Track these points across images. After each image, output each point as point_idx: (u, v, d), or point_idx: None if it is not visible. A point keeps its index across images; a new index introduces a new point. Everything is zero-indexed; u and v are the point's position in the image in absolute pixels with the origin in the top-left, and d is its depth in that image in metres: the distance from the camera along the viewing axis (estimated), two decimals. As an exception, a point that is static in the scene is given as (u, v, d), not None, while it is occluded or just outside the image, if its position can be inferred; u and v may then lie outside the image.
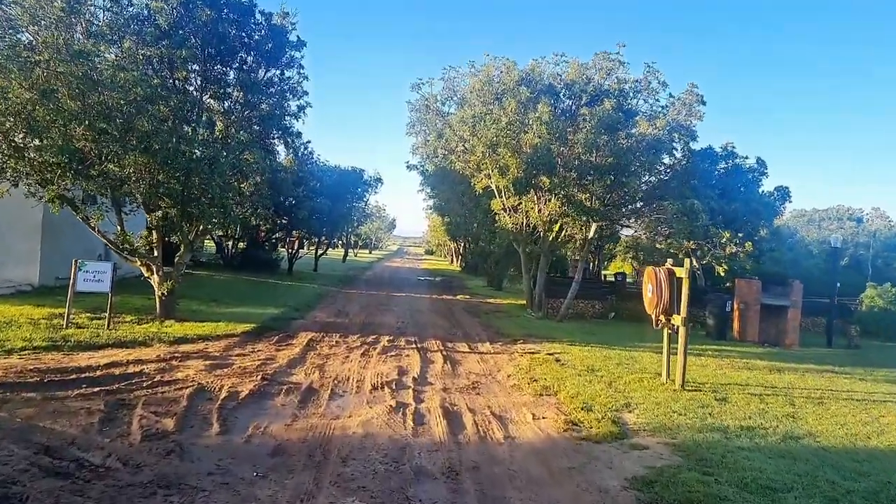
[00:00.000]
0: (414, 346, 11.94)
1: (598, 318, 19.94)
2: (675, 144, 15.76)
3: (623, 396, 8.64)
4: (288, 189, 19.81)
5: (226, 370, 8.54)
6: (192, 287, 18.10)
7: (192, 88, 12.00)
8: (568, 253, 30.48)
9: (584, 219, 16.17)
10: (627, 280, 32.49)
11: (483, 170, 19.95)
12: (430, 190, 41.90)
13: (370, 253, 79.56)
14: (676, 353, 9.57)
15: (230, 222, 12.43)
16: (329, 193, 24.71)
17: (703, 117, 15.44)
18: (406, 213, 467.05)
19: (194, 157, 10.66)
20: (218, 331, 11.41)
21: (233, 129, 12.25)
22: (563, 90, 17.02)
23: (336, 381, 8.46)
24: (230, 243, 27.32)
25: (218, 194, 11.20)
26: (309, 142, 25.34)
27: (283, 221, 24.84)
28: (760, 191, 20.31)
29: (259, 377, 8.21)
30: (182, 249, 12.32)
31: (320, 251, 32.76)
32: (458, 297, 24.57)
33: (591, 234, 17.47)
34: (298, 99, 14.47)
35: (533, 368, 10.36)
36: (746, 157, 20.35)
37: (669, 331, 9.90)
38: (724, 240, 18.61)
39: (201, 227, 12.17)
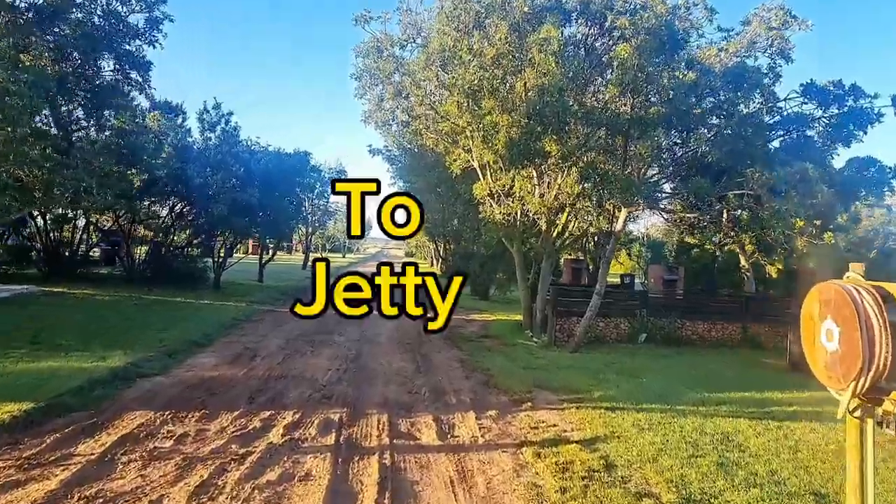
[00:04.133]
0: (333, 435, 6.32)
1: (623, 343, 14.45)
2: (762, 78, 10.23)
3: None
4: (147, 158, 13.75)
5: None
6: (32, 316, 12.21)
7: None
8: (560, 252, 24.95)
9: (615, 200, 10.63)
10: (637, 283, 27.22)
11: (461, 141, 14.36)
12: (401, 183, 36.27)
13: (343, 257, 73.38)
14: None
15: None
16: (262, 183, 18.81)
17: (805, 33, 9.96)
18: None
19: None
20: (-74, 429, 5.63)
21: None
22: (577, 12, 11.50)
23: None
24: (162, 249, 21.30)
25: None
26: (230, 113, 19.39)
27: (201, 220, 18.91)
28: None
29: None
30: None
31: (268, 256, 26.90)
32: (433, 312, 18.92)
33: (619, 226, 11.93)
34: (148, 10, 8.75)
35: (573, 509, 4.79)
36: (875, 96, 12.41)
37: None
38: (797, 228, 13.19)
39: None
